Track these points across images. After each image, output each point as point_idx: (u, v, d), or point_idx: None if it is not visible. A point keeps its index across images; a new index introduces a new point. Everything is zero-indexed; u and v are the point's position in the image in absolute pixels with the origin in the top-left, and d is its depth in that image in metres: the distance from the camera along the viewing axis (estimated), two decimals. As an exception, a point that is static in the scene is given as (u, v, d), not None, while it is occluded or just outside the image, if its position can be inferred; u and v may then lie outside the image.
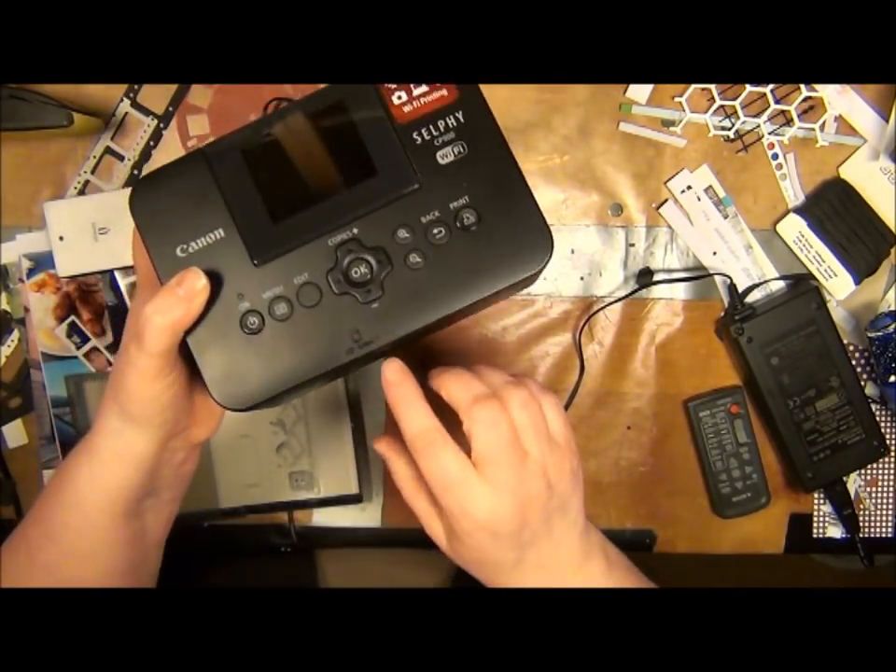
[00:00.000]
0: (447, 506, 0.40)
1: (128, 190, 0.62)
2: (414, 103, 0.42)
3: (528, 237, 0.41)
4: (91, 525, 0.44)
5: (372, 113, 0.42)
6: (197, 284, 0.39)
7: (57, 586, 0.45)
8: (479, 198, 0.41)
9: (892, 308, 0.66)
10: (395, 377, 0.42)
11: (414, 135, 0.41)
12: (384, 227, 0.41)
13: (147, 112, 0.64)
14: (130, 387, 0.40)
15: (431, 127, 0.41)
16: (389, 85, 0.42)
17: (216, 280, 0.41)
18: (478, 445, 0.40)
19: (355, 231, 0.41)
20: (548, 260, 0.41)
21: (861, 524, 0.68)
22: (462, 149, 0.41)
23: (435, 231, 0.41)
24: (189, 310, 0.39)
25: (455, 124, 0.41)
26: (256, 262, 0.41)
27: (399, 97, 0.42)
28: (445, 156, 0.41)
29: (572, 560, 0.43)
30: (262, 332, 0.41)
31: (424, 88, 0.42)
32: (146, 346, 0.39)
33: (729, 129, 0.64)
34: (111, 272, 0.63)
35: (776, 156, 0.65)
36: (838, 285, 0.65)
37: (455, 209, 0.41)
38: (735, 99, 0.64)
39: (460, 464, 0.40)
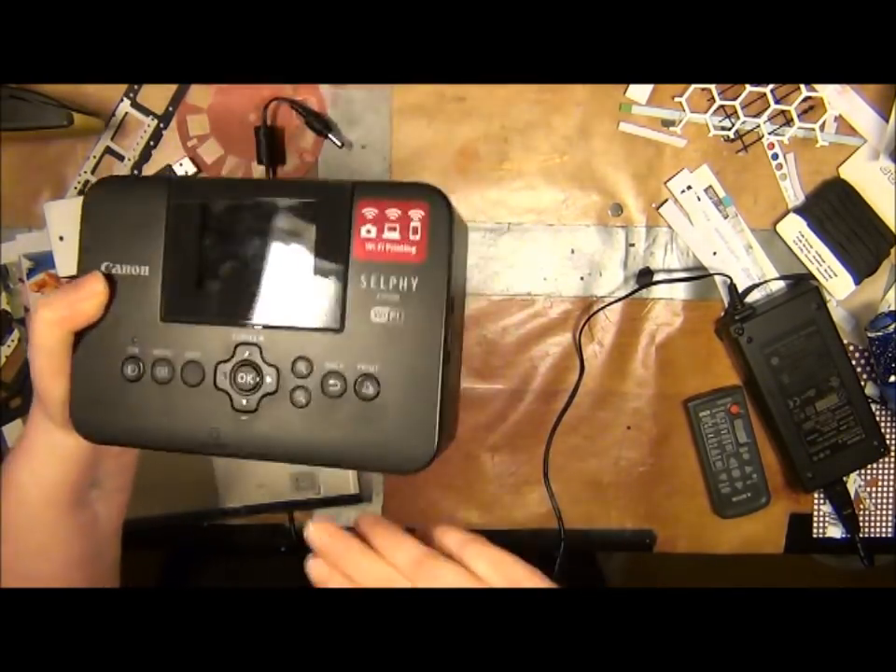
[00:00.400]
0: None
1: (128, 190, 0.62)
2: (379, 245, 0.38)
3: (414, 439, 0.38)
4: (38, 521, 0.44)
5: (335, 234, 0.39)
6: (95, 287, 0.39)
7: (17, 583, 0.45)
8: (388, 374, 0.38)
9: (892, 308, 0.66)
10: (321, 578, 0.40)
11: (362, 277, 0.38)
12: (288, 349, 0.39)
13: (147, 112, 0.63)
14: (38, 388, 0.41)
15: (382, 278, 0.38)
16: (366, 212, 0.39)
17: (121, 312, 0.40)
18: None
19: (261, 338, 0.39)
20: (420, 469, 0.39)
21: (861, 524, 0.68)
22: (398, 317, 0.38)
23: (332, 381, 0.39)
24: (76, 311, 0.39)
25: (405, 288, 0.38)
26: (163, 316, 0.40)
27: (369, 231, 0.39)
28: (379, 314, 0.38)
29: None
30: (137, 384, 0.40)
31: (396, 234, 0.38)
32: (33, 339, 0.39)
33: (729, 129, 0.64)
34: (111, 272, 0.63)
35: (776, 156, 0.65)
36: (838, 285, 0.65)
37: (360, 372, 0.38)
38: (735, 99, 0.64)
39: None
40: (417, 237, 0.38)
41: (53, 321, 0.39)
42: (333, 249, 0.39)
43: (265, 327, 0.39)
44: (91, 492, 0.46)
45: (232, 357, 0.39)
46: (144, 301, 0.40)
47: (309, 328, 0.39)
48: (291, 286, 0.39)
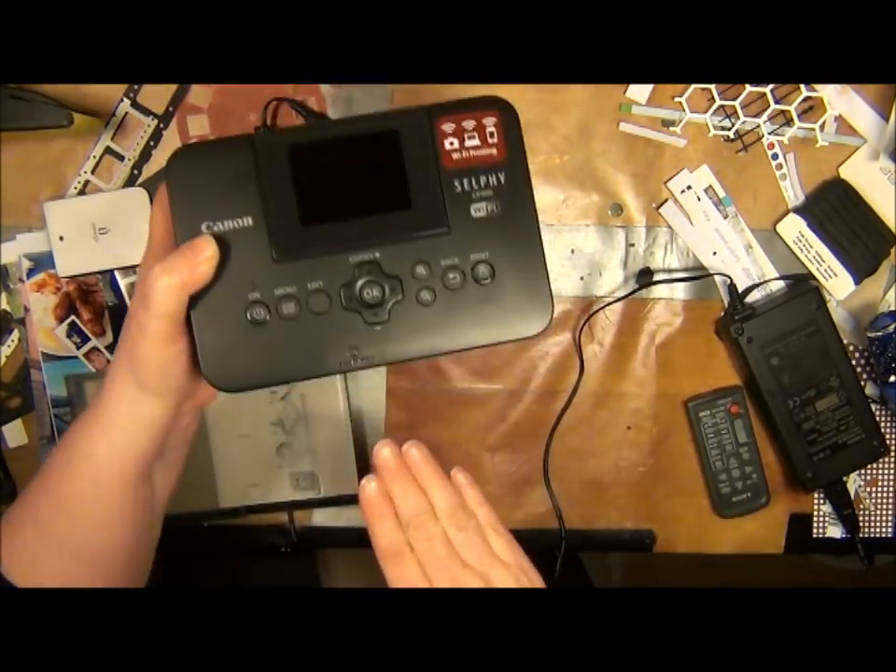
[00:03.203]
0: None
1: (128, 190, 0.63)
2: (464, 153, 0.43)
3: (532, 305, 0.44)
4: (106, 493, 0.44)
5: (422, 151, 0.43)
6: (207, 250, 0.41)
7: (67, 557, 0.45)
8: (498, 257, 0.43)
9: (892, 308, 0.66)
10: (372, 498, 0.44)
11: (455, 182, 0.43)
12: (405, 259, 0.43)
13: (147, 112, 0.63)
14: (144, 355, 0.41)
15: (473, 180, 0.43)
16: (445, 128, 0.43)
17: (232, 264, 0.42)
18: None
19: (377, 254, 0.43)
20: (544, 330, 0.44)
21: (860, 524, 0.68)
22: (495, 208, 0.43)
23: (451, 275, 0.43)
24: (195, 273, 0.40)
25: (495, 183, 0.43)
26: (276, 258, 0.42)
27: (452, 143, 0.43)
28: (479, 210, 0.43)
29: None
30: (265, 325, 0.42)
31: (476, 141, 0.43)
32: (153, 307, 0.40)
33: (729, 129, 0.64)
34: (111, 272, 0.63)
35: (776, 156, 0.65)
36: (838, 285, 0.65)
37: (475, 261, 0.43)
38: (735, 99, 0.64)
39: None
40: (495, 140, 0.43)
41: (175, 286, 0.40)
42: (423, 166, 0.43)
43: (378, 244, 0.43)
44: (155, 464, 0.46)
45: (353, 277, 0.42)
46: (253, 248, 0.42)
47: (420, 236, 0.43)
48: (392, 203, 0.43)
